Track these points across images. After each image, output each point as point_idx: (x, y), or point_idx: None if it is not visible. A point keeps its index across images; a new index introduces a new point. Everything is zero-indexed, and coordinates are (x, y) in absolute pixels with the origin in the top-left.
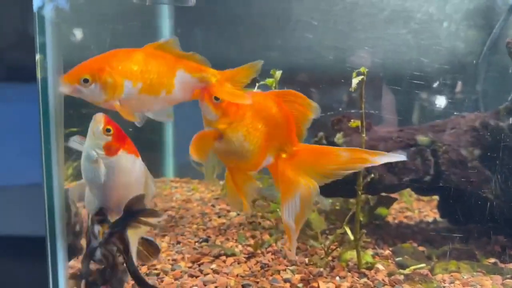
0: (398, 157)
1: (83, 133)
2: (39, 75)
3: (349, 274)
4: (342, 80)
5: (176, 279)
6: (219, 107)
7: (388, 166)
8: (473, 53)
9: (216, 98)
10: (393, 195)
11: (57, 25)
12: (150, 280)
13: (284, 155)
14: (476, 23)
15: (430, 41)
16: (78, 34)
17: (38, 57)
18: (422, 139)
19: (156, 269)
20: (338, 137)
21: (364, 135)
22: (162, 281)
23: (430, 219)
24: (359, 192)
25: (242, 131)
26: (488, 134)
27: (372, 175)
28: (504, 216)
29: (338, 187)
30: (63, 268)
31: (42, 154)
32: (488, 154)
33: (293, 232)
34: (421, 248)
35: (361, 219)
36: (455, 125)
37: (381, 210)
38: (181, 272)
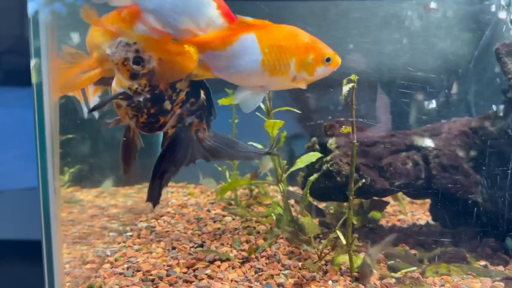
0: None
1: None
2: (34, 81)
3: (341, 277)
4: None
5: (171, 284)
6: None
7: (380, 171)
8: (465, 57)
9: None
10: (386, 199)
11: (53, 30)
12: (145, 286)
13: None
14: (468, 27)
15: (422, 45)
16: (75, 38)
17: (33, 62)
18: (419, 141)
19: (151, 275)
20: (331, 142)
21: (355, 141)
22: (157, 287)
23: (422, 222)
24: (351, 197)
25: None
26: (478, 138)
27: (363, 180)
28: (494, 219)
29: (332, 191)
30: (58, 273)
31: (38, 159)
32: (478, 158)
33: None
34: (413, 251)
35: (355, 223)
36: (445, 130)
37: (374, 214)
38: (176, 277)
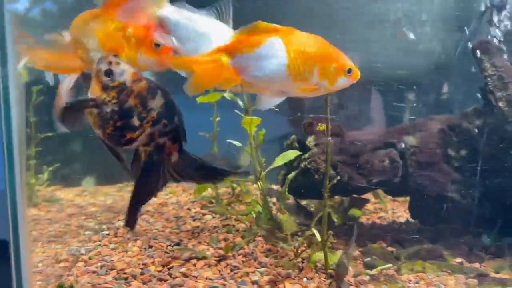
0: None
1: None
2: (25, 79)
3: (316, 275)
4: None
5: (144, 283)
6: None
7: (358, 168)
8: (447, 55)
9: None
10: (367, 196)
11: (16, 25)
12: (117, 285)
13: None
14: (451, 26)
15: (404, 44)
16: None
17: (22, 62)
18: (397, 139)
19: (125, 273)
20: (309, 140)
21: (329, 138)
22: (130, 285)
23: (402, 220)
24: (326, 195)
25: None
26: (456, 136)
27: (338, 178)
28: (471, 217)
29: (310, 189)
30: (27, 272)
31: (5, 158)
32: (456, 155)
33: None
34: (391, 249)
35: (335, 220)
36: (424, 128)
37: (354, 211)
38: (150, 276)
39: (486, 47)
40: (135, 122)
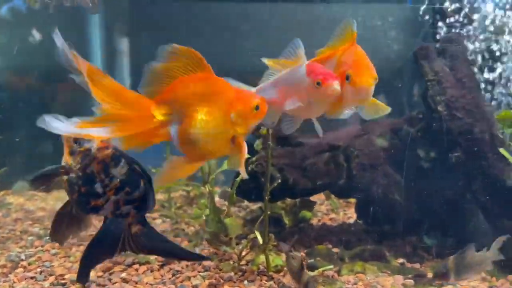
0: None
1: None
2: None
3: (258, 277)
4: None
5: None
6: None
7: (303, 171)
8: (401, 60)
9: None
10: (318, 198)
11: None
12: None
13: None
14: (405, 32)
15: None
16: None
17: None
18: (342, 142)
19: (64, 279)
20: (257, 144)
21: (270, 142)
22: None
23: (352, 221)
24: (266, 198)
25: None
26: (399, 139)
27: (279, 180)
28: (412, 218)
29: (258, 192)
30: None
31: None
32: (398, 158)
33: None
34: (336, 250)
35: (287, 222)
36: (368, 131)
37: (304, 213)
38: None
39: (426, 53)
40: (98, 189)
